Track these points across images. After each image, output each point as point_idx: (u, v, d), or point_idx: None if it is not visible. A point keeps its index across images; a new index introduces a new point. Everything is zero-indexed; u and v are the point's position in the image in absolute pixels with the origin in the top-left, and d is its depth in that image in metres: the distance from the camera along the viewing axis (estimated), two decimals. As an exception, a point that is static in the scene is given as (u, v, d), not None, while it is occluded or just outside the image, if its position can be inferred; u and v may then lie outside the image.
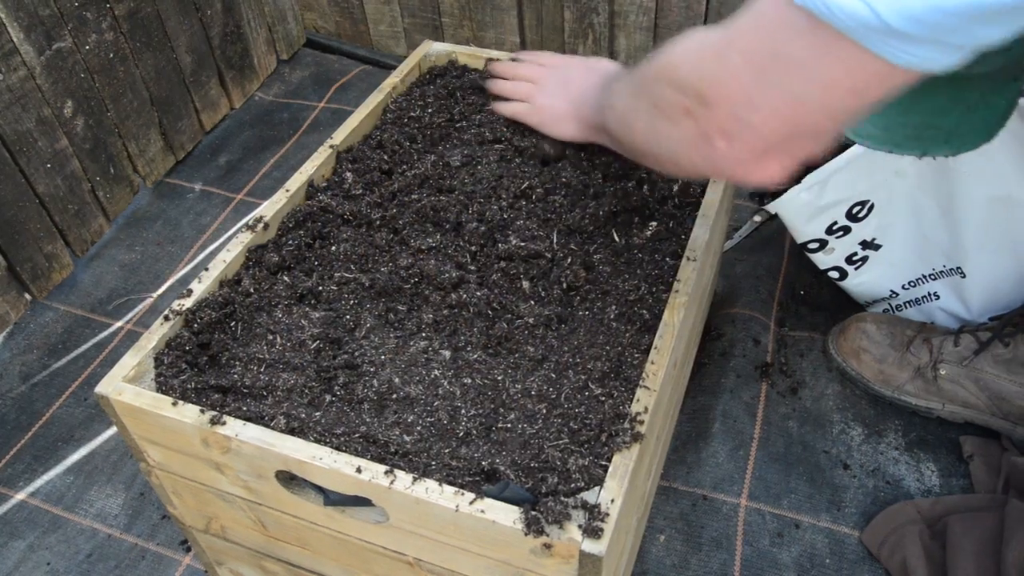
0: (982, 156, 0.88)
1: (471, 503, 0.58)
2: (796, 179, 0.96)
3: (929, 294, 1.05)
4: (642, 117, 0.64)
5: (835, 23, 0.45)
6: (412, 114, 0.97)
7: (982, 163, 0.90)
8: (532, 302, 0.75)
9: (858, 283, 1.08)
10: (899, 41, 0.44)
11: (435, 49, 1.07)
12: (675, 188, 0.86)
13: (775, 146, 0.54)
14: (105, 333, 1.19)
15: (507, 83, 0.96)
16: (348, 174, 0.89)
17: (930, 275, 1.04)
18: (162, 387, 0.69)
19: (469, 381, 0.70)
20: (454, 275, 0.78)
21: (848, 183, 0.96)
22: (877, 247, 1.03)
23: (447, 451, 0.64)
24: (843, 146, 0.93)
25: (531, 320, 0.74)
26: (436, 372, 0.70)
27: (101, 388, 0.68)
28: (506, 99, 0.95)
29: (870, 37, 0.45)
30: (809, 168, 0.95)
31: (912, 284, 1.06)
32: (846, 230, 1.00)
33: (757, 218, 1.27)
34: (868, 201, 0.97)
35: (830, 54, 0.47)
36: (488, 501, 0.58)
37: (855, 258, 1.04)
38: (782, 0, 0.48)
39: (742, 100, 0.52)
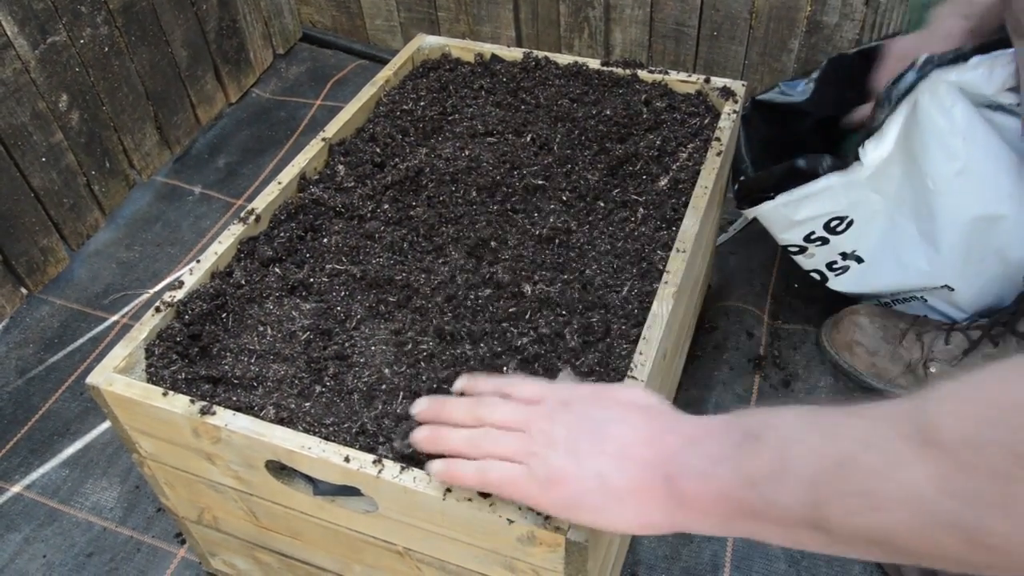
0: (962, 178, 0.89)
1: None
2: (773, 191, 0.96)
3: (917, 297, 1.05)
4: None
5: None
6: (405, 107, 0.97)
7: (963, 185, 0.90)
8: (522, 292, 0.75)
9: (839, 287, 1.06)
10: None
11: (428, 42, 1.07)
12: (664, 181, 0.86)
13: None
14: (101, 327, 1.19)
15: (465, 433, 0.56)
16: (340, 167, 0.90)
17: (915, 290, 1.03)
18: (153, 378, 0.70)
19: (459, 371, 0.70)
20: (445, 267, 0.79)
21: (823, 204, 0.95)
22: (859, 260, 1.02)
23: (436, 441, 0.64)
24: (813, 173, 0.92)
25: (522, 310, 0.74)
26: (425, 363, 0.71)
27: (92, 379, 0.68)
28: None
29: None
30: (783, 186, 0.95)
31: (895, 294, 1.06)
32: (824, 240, 1.00)
33: (751, 212, 1.27)
34: (847, 217, 0.97)
35: None
36: (476, 490, 0.58)
37: (835, 266, 1.03)
38: None
39: None
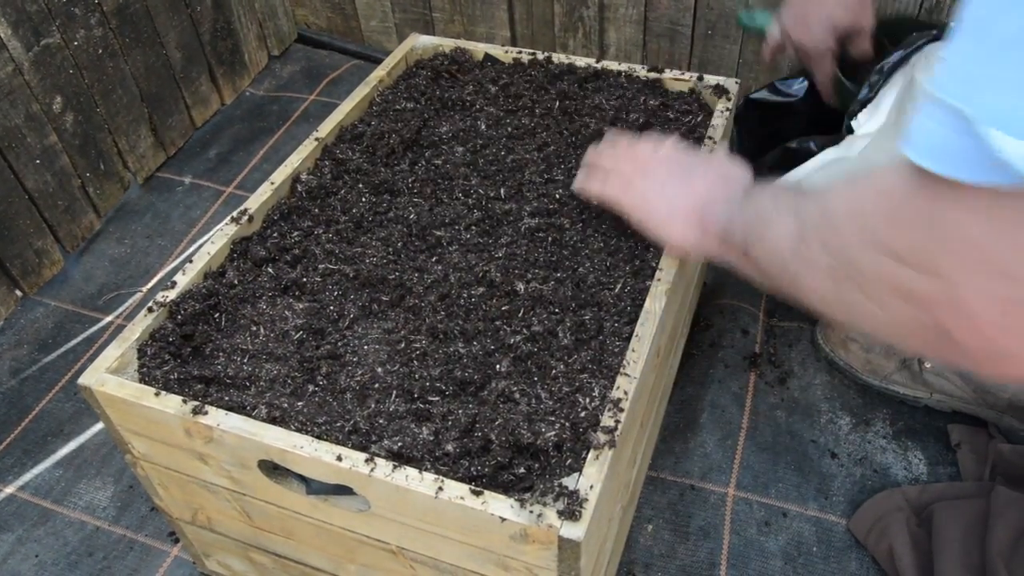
0: None
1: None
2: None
3: None
4: (817, 277, 0.52)
5: None
6: (397, 107, 0.97)
7: None
8: (515, 290, 0.75)
9: None
10: None
11: (422, 42, 1.07)
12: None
13: None
14: (95, 328, 1.19)
15: (605, 156, 0.81)
16: (333, 166, 0.89)
17: None
18: (145, 378, 0.70)
19: (452, 370, 0.70)
20: (438, 265, 0.78)
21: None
22: None
23: (431, 439, 0.64)
24: (810, 153, 0.92)
25: (515, 308, 0.74)
26: (418, 362, 0.71)
27: (84, 379, 0.68)
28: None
29: None
30: (776, 172, 0.94)
31: None
32: None
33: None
34: None
35: None
36: (467, 488, 0.58)
37: None
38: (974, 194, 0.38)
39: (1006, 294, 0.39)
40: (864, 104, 0.88)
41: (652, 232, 0.75)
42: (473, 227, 0.82)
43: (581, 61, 1.02)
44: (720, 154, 0.79)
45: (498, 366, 0.69)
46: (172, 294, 0.75)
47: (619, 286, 0.75)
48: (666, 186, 0.74)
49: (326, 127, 0.93)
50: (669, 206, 0.73)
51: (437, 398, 0.68)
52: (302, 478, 0.66)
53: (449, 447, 0.62)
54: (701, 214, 0.70)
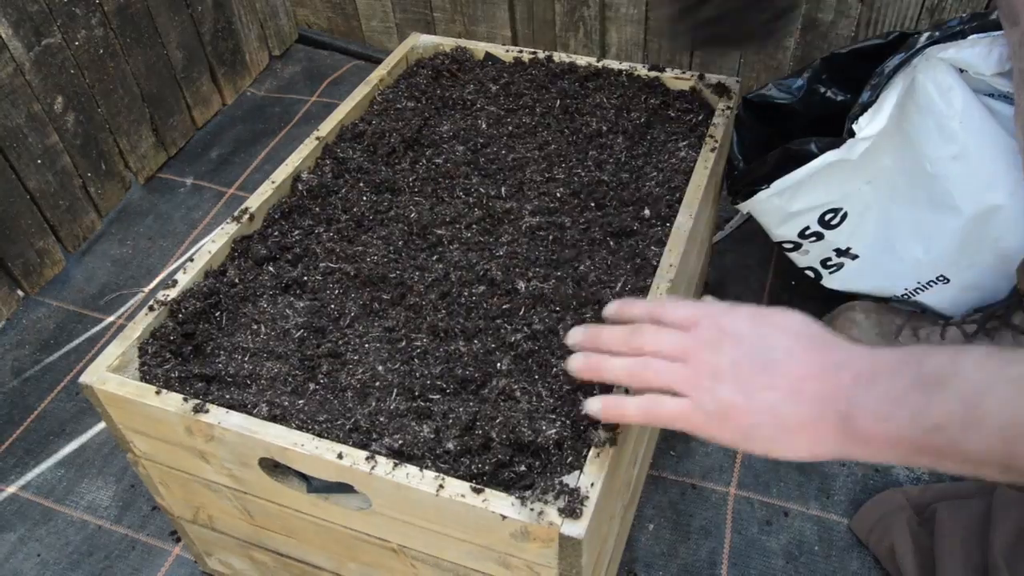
0: (958, 163, 0.88)
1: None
2: (767, 182, 0.95)
3: (912, 290, 1.05)
4: None
5: None
6: (398, 106, 0.97)
7: (959, 171, 0.89)
8: (516, 288, 0.75)
9: (834, 285, 1.06)
10: None
11: (423, 42, 1.07)
12: (658, 178, 0.86)
13: None
14: (97, 328, 1.19)
15: (625, 363, 0.55)
16: (334, 165, 0.89)
17: (911, 289, 1.03)
18: (146, 376, 0.70)
19: (453, 368, 0.70)
20: (439, 264, 0.78)
21: (818, 192, 0.95)
22: (854, 257, 1.01)
23: (431, 437, 0.64)
24: (811, 154, 0.92)
25: (515, 306, 0.74)
26: (419, 360, 0.71)
27: (85, 378, 0.68)
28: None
29: None
30: (777, 173, 0.94)
31: (890, 296, 1.06)
32: (819, 236, 0.99)
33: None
34: (841, 209, 0.96)
35: None
36: (468, 486, 0.58)
37: (830, 263, 1.03)
38: None
39: None
40: (865, 107, 0.88)
41: (759, 452, 0.52)
42: (474, 226, 0.82)
43: (582, 60, 1.02)
44: (779, 313, 0.54)
45: (499, 364, 0.69)
46: (173, 293, 0.75)
47: (620, 284, 0.75)
48: (744, 383, 0.51)
49: (327, 126, 0.93)
50: (772, 413, 0.50)
51: (438, 396, 0.68)
52: (303, 476, 0.66)
53: (450, 445, 0.62)
54: (844, 416, 0.49)
